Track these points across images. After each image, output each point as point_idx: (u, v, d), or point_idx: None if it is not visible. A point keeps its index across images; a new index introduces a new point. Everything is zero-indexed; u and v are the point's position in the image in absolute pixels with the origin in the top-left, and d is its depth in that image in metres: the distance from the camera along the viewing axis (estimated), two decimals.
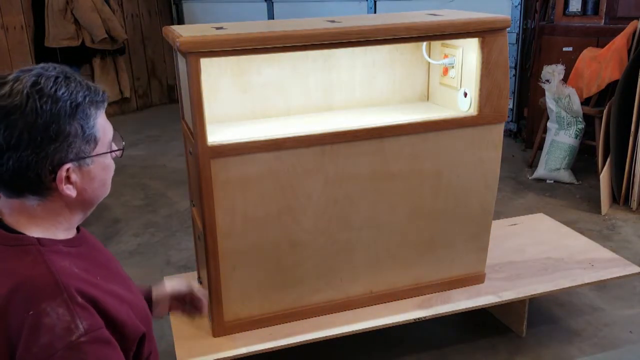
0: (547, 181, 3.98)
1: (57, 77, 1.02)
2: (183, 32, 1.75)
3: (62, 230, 1.11)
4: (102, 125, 1.09)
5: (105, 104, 1.11)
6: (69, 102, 1.01)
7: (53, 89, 1.00)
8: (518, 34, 4.68)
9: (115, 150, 1.14)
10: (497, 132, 2.09)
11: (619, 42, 3.75)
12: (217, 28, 1.83)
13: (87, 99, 1.04)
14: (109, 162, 1.13)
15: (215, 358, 1.90)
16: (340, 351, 2.28)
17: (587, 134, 3.92)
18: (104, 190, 1.15)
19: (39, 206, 1.07)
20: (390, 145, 1.97)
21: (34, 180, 1.02)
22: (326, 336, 2.00)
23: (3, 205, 1.08)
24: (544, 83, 3.88)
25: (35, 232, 1.07)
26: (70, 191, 1.06)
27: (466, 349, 2.30)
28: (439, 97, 2.25)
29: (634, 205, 3.50)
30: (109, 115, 1.12)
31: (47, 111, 0.99)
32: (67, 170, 1.04)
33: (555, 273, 2.32)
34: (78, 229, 1.18)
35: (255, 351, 1.93)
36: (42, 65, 1.05)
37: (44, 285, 0.99)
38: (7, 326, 0.97)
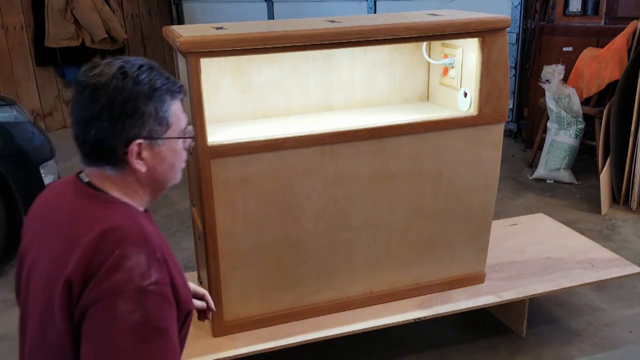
0: (547, 181, 3.98)
1: (141, 65, 1.16)
2: (183, 32, 1.75)
3: (136, 205, 1.22)
4: (176, 113, 1.21)
5: (182, 95, 1.23)
6: (148, 85, 1.15)
7: (136, 73, 1.14)
8: (518, 34, 4.68)
9: (186, 137, 1.25)
10: (497, 132, 2.09)
11: (619, 42, 3.75)
12: (217, 28, 1.83)
13: (165, 86, 1.17)
14: (179, 148, 1.24)
15: (215, 358, 1.90)
16: (340, 351, 2.27)
17: (587, 134, 3.92)
18: (173, 175, 1.26)
19: (116, 176, 1.19)
20: (390, 145, 1.97)
21: (111, 151, 1.15)
22: (326, 336, 2.00)
23: (91, 172, 1.21)
24: (544, 83, 3.88)
25: (118, 196, 1.19)
26: (140, 166, 1.17)
27: (466, 349, 2.30)
28: (439, 97, 2.25)
29: (634, 205, 3.49)
30: None
31: (128, 90, 1.13)
32: (139, 145, 1.16)
33: (555, 273, 2.32)
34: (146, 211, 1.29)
35: (255, 351, 1.93)
36: (132, 57, 1.21)
37: (133, 234, 1.11)
38: (91, 262, 1.07)
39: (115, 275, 1.05)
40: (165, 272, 1.13)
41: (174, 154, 1.23)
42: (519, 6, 4.64)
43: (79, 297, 1.07)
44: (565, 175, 3.92)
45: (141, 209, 1.24)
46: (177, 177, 1.28)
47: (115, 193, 1.19)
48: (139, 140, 1.15)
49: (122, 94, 1.12)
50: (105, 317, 1.05)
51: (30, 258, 1.22)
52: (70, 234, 1.13)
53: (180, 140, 1.24)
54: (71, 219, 1.16)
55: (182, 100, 1.24)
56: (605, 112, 3.63)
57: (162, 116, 1.18)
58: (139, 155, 1.17)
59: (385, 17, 2.10)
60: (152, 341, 1.07)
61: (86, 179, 1.21)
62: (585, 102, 3.86)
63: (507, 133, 4.88)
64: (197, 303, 1.48)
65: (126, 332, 1.04)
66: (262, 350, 1.94)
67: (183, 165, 1.28)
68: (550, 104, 3.85)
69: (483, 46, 1.96)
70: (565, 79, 3.87)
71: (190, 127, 1.28)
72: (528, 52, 4.63)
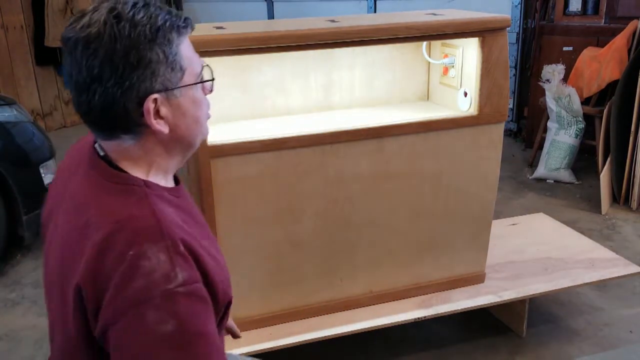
0: (547, 181, 3.98)
1: (135, 3, 0.98)
2: None
3: (162, 175, 1.07)
4: (187, 54, 1.02)
5: (189, 30, 1.04)
6: (148, 26, 0.96)
7: (131, 13, 0.96)
8: (518, 34, 4.68)
9: (205, 81, 1.06)
10: (497, 132, 2.09)
11: (619, 41, 3.75)
12: (217, 28, 1.83)
13: (168, 23, 0.99)
14: (199, 95, 1.06)
15: None
16: (340, 351, 2.27)
17: (587, 134, 3.92)
18: (199, 129, 1.08)
19: (135, 146, 1.02)
20: (390, 145, 1.97)
21: (123, 115, 0.97)
22: (326, 336, 2.00)
23: (105, 146, 1.04)
24: (544, 83, 3.88)
25: (138, 174, 1.03)
26: (161, 126, 1.00)
27: (466, 348, 2.30)
28: (439, 97, 2.25)
29: (634, 204, 3.49)
30: None
31: (126, 36, 0.94)
32: (155, 101, 0.98)
33: (555, 273, 2.31)
34: (177, 181, 1.13)
35: (255, 351, 1.93)
36: None
37: (147, 228, 0.95)
38: (102, 266, 0.93)
39: (135, 282, 0.91)
40: (193, 267, 0.96)
41: (195, 104, 1.04)
42: (519, 6, 4.64)
43: (96, 309, 0.93)
44: (566, 175, 3.92)
45: (169, 179, 1.08)
46: (204, 130, 1.10)
47: (136, 170, 1.03)
48: (154, 95, 0.97)
49: (120, 43, 0.94)
50: (135, 332, 0.91)
51: (49, 233, 1.10)
52: (81, 223, 0.99)
53: (200, 85, 1.05)
54: (83, 206, 1.01)
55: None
56: (605, 111, 3.63)
57: (173, 60, 0.99)
58: (157, 114, 0.99)
59: (385, 17, 2.10)
60: (192, 348, 0.93)
61: (102, 152, 1.04)
62: (585, 101, 3.86)
63: (507, 133, 4.87)
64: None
65: (162, 344, 0.90)
66: (262, 350, 1.94)
67: (209, 116, 1.10)
68: (551, 103, 3.85)
69: (483, 46, 1.96)
70: (565, 79, 3.87)
71: (207, 69, 1.09)
72: (528, 51, 4.63)
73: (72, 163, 1.12)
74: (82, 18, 0.96)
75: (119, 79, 0.95)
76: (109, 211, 0.97)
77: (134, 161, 1.03)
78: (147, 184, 1.02)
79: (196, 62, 1.05)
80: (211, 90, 1.09)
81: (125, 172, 1.02)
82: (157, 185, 1.04)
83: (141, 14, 0.96)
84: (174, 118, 1.01)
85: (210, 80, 1.08)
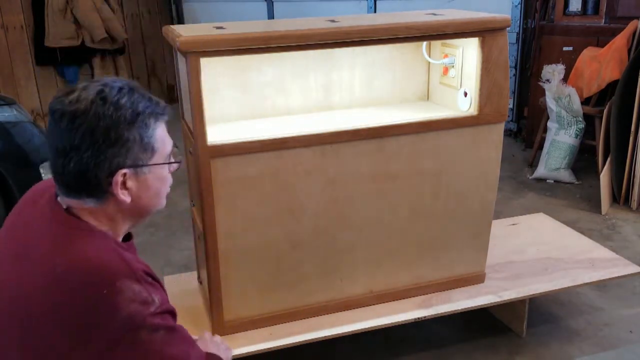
0: (547, 181, 3.98)
1: (121, 88, 1.09)
2: (183, 32, 1.75)
3: (115, 234, 1.17)
4: (161, 137, 1.14)
5: (166, 117, 1.16)
6: (130, 110, 1.08)
7: (116, 98, 1.07)
8: (518, 34, 4.67)
9: (173, 162, 1.19)
10: (497, 132, 2.09)
11: (619, 41, 3.74)
12: (217, 28, 1.83)
13: (148, 110, 1.11)
14: (165, 174, 1.18)
15: None
16: (340, 351, 2.27)
17: (587, 134, 3.91)
18: (158, 201, 1.20)
19: (97, 208, 1.12)
20: (390, 145, 1.97)
21: (93, 182, 1.08)
22: (326, 336, 2.00)
23: (68, 202, 1.13)
24: (544, 83, 3.88)
25: (96, 225, 1.13)
26: (125, 196, 1.11)
27: (466, 348, 2.30)
28: (439, 97, 2.25)
29: (634, 205, 3.49)
30: None
31: (109, 116, 1.06)
32: (124, 175, 1.10)
33: (555, 273, 2.31)
34: (129, 236, 1.24)
35: (255, 351, 1.93)
36: (110, 77, 1.13)
37: (115, 266, 1.06)
38: (79, 308, 1.02)
39: (119, 314, 1.02)
40: (162, 291, 1.13)
41: (160, 181, 1.17)
42: (519, 6, 4.64)
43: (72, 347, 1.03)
44: (566, 175, 3.92)
45: (119, 238, 1.18)
46: (162, 203, 1.22)
47: (94, 222, 1.13)
48: (124, 170, 1.09)
49: (103, 121, 1.05)
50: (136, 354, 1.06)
51: None
52: (49, 267, 1.05)
53: (167, 165, 1.18)
54: (52, 252, 1.07)
55: (166, 123, 1.18)
56: (605, 111, 3.63)
57: (147, 142, 1.11)
58: (123, 185, 1.11)
59: (385, 17, 2.09)
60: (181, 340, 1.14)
61: (65, 205, 1.14)
62: (585, 101, 3.86)
63: (507, 133, 4.87)
64: None
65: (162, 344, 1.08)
66: (262, 350, 1.94)
67: (168, 190, 1.22)
68: (551, 103, 3.85)
69: (483, 46, 1.96)
70: (565, 79, 3.87)
71: (176, 150, 1.22)
72: (528, 51, 4.63)
73: (29, 214, 1.19)
74: (72, 93, 1.08)
75: (96, 151, 1.06)
76: (80, 255, 1.06)
77: (93, 217, 1.13)
78: (106, 234, 1.13)
79: (168, 144, 1.17)
80: (177, 168, 1.24)
81: (87, 222, 1.13)
82: (114, 237, 1.16)
83: (124, 99, 1.08)
84: (138, 191, 1.13)
85: (177, 162, 1.21)
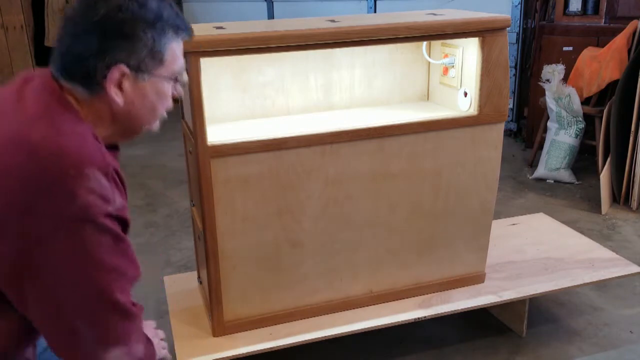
0: (547, 181, 3.98)
1: None
2: None
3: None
4: (173, 51, 1.10)
5: (186, 37, 1.12)
6: (153, 13, 1.04)
7: None
8: (518, 34, 4.68)
9: (176, 80, 1.13)
10: (497, 132, 2.09)
11: (619, 41, 3.75)
12: (217, 28, 1.83)
13: (171, 20, 1.07)
14: (165, 90, 1.13)
15: (215, 358, 1.89)
16: (340, 351, 2.27)
17: (587, 134, 3.92)
18: (151, 118, 1.14)
19: (86, 101, 1.08)
20: (390, 144, 1.97)
21: (88, 70, 1.04)
22: (326, 336, 2.00)
23: (62, 83, 1.10)
24: (544, 83, 3.88)
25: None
26: (117, 97, 1.07)
27: (466, 348, 2.30)
28: (439, 97, 2.25)
29: (634, 204, 3.49)
30: None
31: (130, 10, 1.03)
32: (122, 74, 1.05)
33: (555, 273, 2.31)
34: (116, 149, 1.20)
35: (255, 351, 1.93)
36: None
37: (90, 153, 1.01)
38: (31, 173, 0.97)
39: (76, 201, 0.97)
40: (124, 199, 1.08)
41: (158, 96, 1.12)
42: (519, 6, 4.64)
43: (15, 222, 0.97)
44: (566, 175, 3.92)
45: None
46: (155, 124, 1.17)
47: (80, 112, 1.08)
48: (123, 66, 1.05)
49: (122, 13, 1.03)
50: (74, 245, 0.99)
51: None
52: (27, 129, 1.01)
53: (169, 82, 1.12)
54: (38, 115, 1.04)
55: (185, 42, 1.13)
56: (605, 111, 3.63)
57: (158, 50, 1.06)
58: (118, 85, 1.06)
59: (385, 17, 2.09)
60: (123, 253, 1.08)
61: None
62: (585, 101, 3.86)
63: (507, 133, 4.87)
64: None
65: (105, 251, 1.03)
66: (262, 350, 1.94)
67: (164, 114, 1.16)
68: (551, 103, 3.85)
69: (483, 46, 1.96)
70: (565, 79, 3.87)
71: (185, 75, 1.17)
72: (528, 51, 4.63)
73: (20, 81, 1.19)
74: None
75: (103, 39, 1.02)
76: (59, 130, 1.01)
77: (81, 108, 1.08)
78: (90, 126, 1.08)
79: (179, 62, 1.12)
80: (178, 96, 1.17)
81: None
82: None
83: (153, 3, 1.05)
84: (133, 96, 1.08)
85: (181, 83, 1.15)
